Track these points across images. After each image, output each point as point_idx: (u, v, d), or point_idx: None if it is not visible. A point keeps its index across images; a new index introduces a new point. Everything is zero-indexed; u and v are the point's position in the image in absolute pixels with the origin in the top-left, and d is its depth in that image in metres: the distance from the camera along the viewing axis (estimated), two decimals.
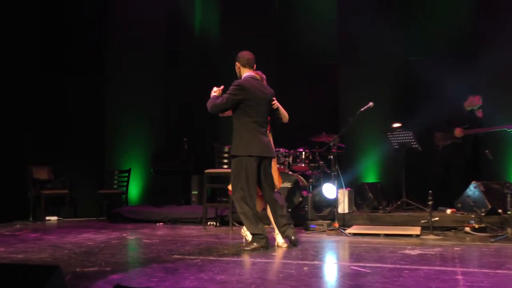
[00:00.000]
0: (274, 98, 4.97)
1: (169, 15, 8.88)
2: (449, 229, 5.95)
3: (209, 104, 4.77)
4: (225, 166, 6.76)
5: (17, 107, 7.63)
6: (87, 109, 8.33)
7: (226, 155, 6.89)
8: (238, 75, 4.91)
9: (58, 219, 7.70)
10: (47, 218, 7.67)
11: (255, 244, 4.59)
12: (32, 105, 7.80)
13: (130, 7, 8.68)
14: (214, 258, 4.10)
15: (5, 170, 7.35)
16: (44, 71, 8.07)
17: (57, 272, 2.35)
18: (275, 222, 4.81)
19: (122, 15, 8.66)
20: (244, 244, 4.80)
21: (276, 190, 4.88)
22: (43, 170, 7.85)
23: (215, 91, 4.88)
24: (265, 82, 5.07)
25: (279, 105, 5.06)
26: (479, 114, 7.01)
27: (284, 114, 5.19)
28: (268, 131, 4.93)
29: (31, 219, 7.36)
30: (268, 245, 4.62)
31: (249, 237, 4.75)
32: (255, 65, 4.93)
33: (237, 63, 4.90)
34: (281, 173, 6.98)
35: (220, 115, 5.00)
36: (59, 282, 2.36)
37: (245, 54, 4.89)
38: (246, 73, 4.85)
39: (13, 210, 7.31)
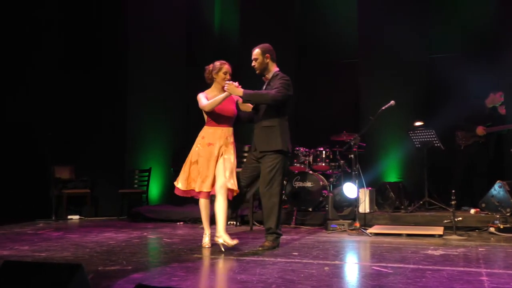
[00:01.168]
0: None
1: (189, 14, 8.92)
2: (473, 229, 5.86)
3: (272, 96, 4.60)
4: None
5: (39, 107, 7.75)
6: (108, 109, 8.41)
7: (245, 154, 6.88)
8: (263, 68, 4.78)
9: (80, 218, 7.80)
10: (69, 217, 7.77)
11: (272, 242, 4.56)
12: (54, 105, 7.90)
13: (150, 6, 8.75)
14: (235, 258, 4.10)
15: (28, 170, 7.49)
16: (67, 71, 8.16)
17: (80, 270, 2.38)
18: (224, 222, 4.57)
19: (143, 14, 8.73)
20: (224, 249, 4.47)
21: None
22: (65, 170, 7.96)
23: (237, 85, 4.74)
24: None
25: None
26: (502, 111, 6.86)
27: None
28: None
29: (53, 218, 7.46)
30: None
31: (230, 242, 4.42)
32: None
33: (267, 55, 4.76)
34: (302, 172, 6.99)
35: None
36: (82, 280, 2.39)
37: (272, 48, 4.78)
38: (275, 68, 4.79)
39: (36, 209, 7.43)
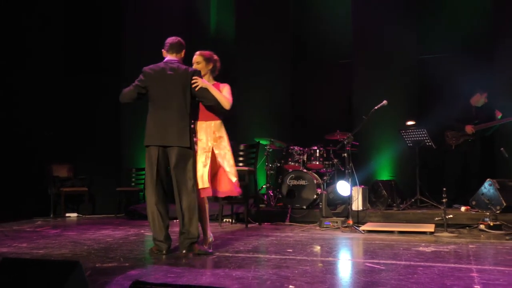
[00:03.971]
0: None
1: (185, 15, 8.95)
2: (463, 226, 5.96)
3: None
4: (241, 164, 6.82)
5: (38, 107, 7.78)
6: (106, 108, 8.45)
7: (241, 152, 6.96)
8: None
9: (77, 216, 7.85)
10: (67, 214, 7.81)
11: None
12: (53, 105, 7.94)
13: (146, 7, 8.78)
14: (230, 255, 4.16)
15: (26, 168, 7.53)
16: (66, 72, 8.20)
17: (77, 267, 2.41)
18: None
19: (138, 15, 8.76)
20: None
21: None
22: (63, 168, 8.00)
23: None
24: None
25: None
26: (498, 114, 6.95)
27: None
28: None
29: (51, 215, 7.51)
30: None
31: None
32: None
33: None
34: (296, 170, 7.07)
35: None
36: (79, 277, 2.42)
37: (168, 40, 4.63)
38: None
39: (34, 207, 7.48)
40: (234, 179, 4.42)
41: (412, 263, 3.77)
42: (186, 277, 3.31)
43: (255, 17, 8.70)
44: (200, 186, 4.31)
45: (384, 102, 6.01)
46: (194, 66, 4.57)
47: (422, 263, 3.75)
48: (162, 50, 4.59)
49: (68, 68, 8.31)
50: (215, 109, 4.48)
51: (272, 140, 7.43)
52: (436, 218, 5.78)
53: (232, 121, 8.73)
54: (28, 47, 7.79)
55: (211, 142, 4.44)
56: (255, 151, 6.82)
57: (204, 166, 4.32)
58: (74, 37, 8.42)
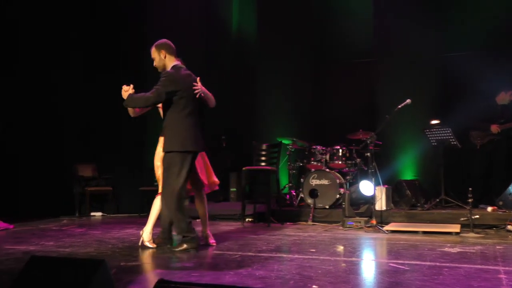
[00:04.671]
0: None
1: (207, 15, 9.00)
2: (490, 227, 5.86)
3: (133, 101, 4.34)
4: (263, 164, 6.83)
5: (64, 108, 7.91)
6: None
7: (264, 152, 6.96)
8: (162, 65, 4.49)
9: (102, 215, 7.95)
10: (92, 213, 7.93)
11: (185, 245, 4.36)
12: (78, 106, 8.05)
13: (168, 8, 8.84)
14: (253, 254, 4.17)
15: (53, 168, 7.65)
16: (91, 73, 8.31)
17: (103, 266, 2.45)
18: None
19: (161, 15, 8.82)
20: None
21: None
22: (88, 168, 8.12)
23: (127, 89, 4.38)
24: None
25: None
26: None
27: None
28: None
29: (77, 214, 7.63)
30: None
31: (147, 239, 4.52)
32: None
33: (162, 51, 4.48)
34: (318, 170, 7.05)
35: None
36: (105, 275, 2.46)
37: (169, 42, 4.54)
38: (173, 62, 4.51)
39: (60, 206, 7.60)
40: None
41: (437, 263, 3.73)
42: (210, 276, 3.33)
43: (277, 17, 8.71)
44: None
45: (408, 101, 5.96)
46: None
47: (448, 264, 3.70)
48: (173, 54, 4.58)
49: (92, 68, 8.42)
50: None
51: (294, 139, 7.42)
52: (462, 219, 5.70)
53: (254, 121, 8.79)
54: (53, 47, 7.92)
55: None
56: (277, 151, 6.82)
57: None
58: (96, 38, 8.51)
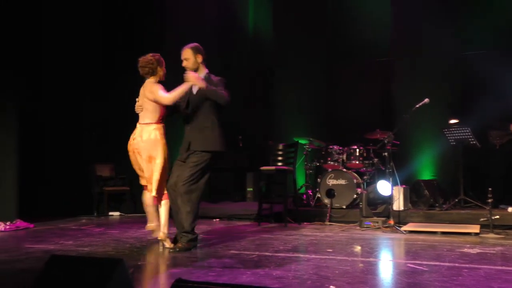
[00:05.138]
0: None
1: (223, 15, 9.02)
2: (510, 228, 5.77)
3: (227, 98, 4.56)
4: (280, 164, 6.82)
5: (81, 107, 7.99)
6: None
7: (280, 152, 6.95)
8: (195, 68, 4.57)
9: (120, 215, 8.01)
10: (110, 213, 7.99)
11: (187, 244, 4.42)
12: (95, 106, 8.13)
13: (184, 8, 8.88)
14: (270, 254, 4.18)
15: (71, 168, 7.74)
16: (105, 71, 8.38)
17: (121, 265, 2.47)
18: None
19: (178, 15, 8.87)
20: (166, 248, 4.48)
21: None
22: (106, 168, 8.19)
23: (198, 77, 4.47)
24: None
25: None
26: None
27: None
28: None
29: (95, 214, 7.70)
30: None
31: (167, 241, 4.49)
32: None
33: (199, 55, 4.60)
34: (335, 170, 7.02)
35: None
36: (124, 274, 2.48)
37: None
38: (205, 69, 4.66)
39: (79, 205, 7.68)
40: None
41: (456, 264, 3.69)
42: (227, 275, 3.34)
43: (293, 16, 8.69)
44: None
45: (426, 100, 5.91)
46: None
47: (467, 265, 3.66)
48: (203, 59, 4.66)
49: (109, 68, 8.49)
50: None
51: (311, 139, 7.40)
52: (482, 219, 5.62)
53: (270, 121, 8.78)
54: (70, 47, 8.00)
55: None
56: (294, 151, 6.81)
57: None
58: (114, 37, 8.58)
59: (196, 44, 4.68)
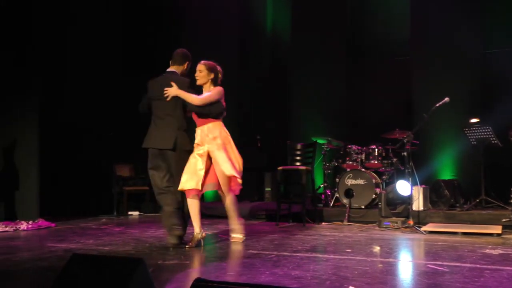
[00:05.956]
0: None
1: (241, 15, 9.04)
2: None
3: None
4: (298, 163, 6.81)
5: (101, 109, 8.08)
6: None
7: (299, 152, 6.94)
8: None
9: (139, 214, 8.08)
10: (130, 213, 8.07)
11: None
12: (115, 107, 8.21)
13: (203, 8, 8.93)
14: (289, 254, 4.17)
15: (92, 168, 7.83)
16: (126, 74, 8.46)
17: (141, 264, 2.49)
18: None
19: (196, 15, 8.92)
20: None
21: None
22: (125, 168, 8.27)
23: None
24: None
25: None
26: None
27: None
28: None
29: (115, 213, 7.77)
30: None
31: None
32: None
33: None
34: (354, 170, 6.98)
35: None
36: (144, 274, 2.50)
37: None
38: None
39: (99, 205, 7.78)
40: (228, 171, 4.75)
41: (478, 265, 3.64)
42: (246, 275, 3.35)
43: (311, 15, 8.67)
44: (194, 186, 4.62)
45: (446, 99, 5.84)
46: (196, 74, 4.85)
47: (489, 266, 3.61)
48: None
49: (127, 68, 8.56)
50: (203, 113, 4.79)
51: (329, 139, 7.38)
52: (504, 220, 5.55)
53: (289, 121, 8.78)
54: (92, 49, 8.10)
55: (207, 145, 4.78)
56: (312, 151, 6.80)
57: (200, 170, 4.66)
58: (133, 38, 8.65)
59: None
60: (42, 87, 6.98)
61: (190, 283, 2.41)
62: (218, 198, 8.65)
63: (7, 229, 5.91)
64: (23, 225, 6.09)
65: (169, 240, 4.60)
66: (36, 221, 6.33)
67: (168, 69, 4.89)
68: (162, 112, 4.77)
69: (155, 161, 4.83)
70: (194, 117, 4.89)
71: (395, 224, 5.87)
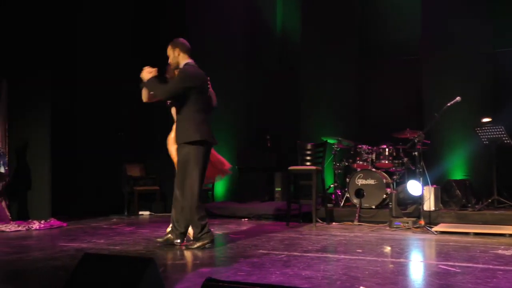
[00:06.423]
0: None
1: (251, 15, 9.04)
2: None
3: (153, 86, 4.53)
4: (308, 163, 6.80)
5: (111, 109, 8.12)
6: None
7: (309, 152, 6.93)
8: (175, 62, 4.62)
9: (150, 214, 8.11)
10: (140, 212, 8.10)
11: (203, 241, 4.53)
12: (125, 107, 8.25)
13: (212, 8, 8.93)
14: (299, 254, 4.17)
15: (103, 168, 7.88)
16: (136, 74, 8.49)
17: (152, 264, 2.50)
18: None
19: (204, 15, 8.93)
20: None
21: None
22: (136, 168, 8.31)
23: (150, 71, 4.58)
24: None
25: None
26: None
27: None
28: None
29: (126, 213, 7.81)
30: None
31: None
32: None
33: (177, 48, 4.60)
34: (364, 170, 6.95)
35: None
36: (154, 273, 2.51)
37: (184, 41, 4.67)
38: (186, 60, 4.63)
39: (110, 205, 7.81)
40: None
41: (490, 266, 3.61)
42: (256, 275, 3.35)
43: (321, 15, 8.65)
44: None
45: (458, 98, 5.80)
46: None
47: (502, 267, 3.58)
48: (187, 52, 4.68)
49: (139, 70, 8.60)
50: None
51: (339, 139, 7.35)
52: None
53: (299, 121, 8.76)
54: (104, 49, 8.15)
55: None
56: (322, 150, 6.78)
57: None
58: (143, 40, 8.68)
59: (175, 39, 4.73)
60: (53, 87, 7.02)
61: (201, 282, 2.42)
62: (228, 198, 8.71)
63: (19, 228, 5.97)
64: (36, 225, 6.14)
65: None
66: (48, 220, 6.39)
67: (191, 61, 4.68)
68: (206, 107, 4.65)
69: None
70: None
71: (406, 224, 5.84)
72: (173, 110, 4.78)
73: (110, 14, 8.26)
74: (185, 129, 4.51)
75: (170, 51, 4.65)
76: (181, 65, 4.62)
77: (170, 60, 4.67)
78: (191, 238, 4.67)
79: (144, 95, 4.74)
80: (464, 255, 4.12)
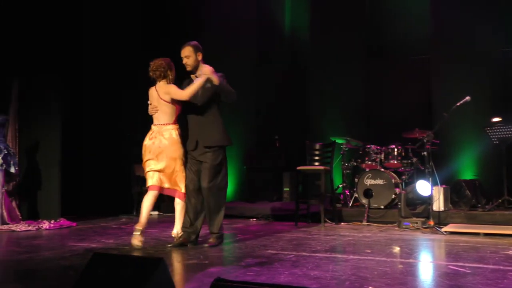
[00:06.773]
0: None
1: (260, 15, 9.05)
2: None
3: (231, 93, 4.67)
4: (317, 163, 6.79)
5: (120, 109, 8.16)
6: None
7: (317, 152, 6.92)
8: (195, 65, 4.66)
9: (158, 214, 8.14)
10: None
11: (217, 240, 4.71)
12: (133, 108, 8.28)
13: (222, 7, 8.95)
14: (308, 254, 4.16)
15: (112, 168, 7.92)
16: (143, 74, 8.53)
17: (162, 264, 2.51)
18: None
19: (215, 15, 8.95)
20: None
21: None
22: None
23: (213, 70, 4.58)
24: None
25: None
26: None
27: None
28: None
29: (134, 213, 7.84)
30: None
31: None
32: None
33: (199, 53, 4.67)
34: (373, 170, 6.93)
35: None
36: (164, 273, 2.52)
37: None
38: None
39: (119, 205, 7.85)
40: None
41: (501, 267, 3.59)
42: (265, 275, 3.35)
43: (329, 15, 8.64)
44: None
45: (467, 98, 5.77)
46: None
47: None
48: (202, 57, 4.73)
49: (146, 71, 8.62)
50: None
51: (348, 139, 7.34)
52: None
53: (307, 121, 8.75)
54: (111, 51, 8.18)
55: None
56: (331, 150, 6.77)
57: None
58: (152, 40, 8.70)
59: (196, 42, 4.78)
60: (63, 88, 7.07)
61: (210, 282, 2.42)
62: (236, 198, 8.72)
63: (30, 228, 6.01)
64: (45, 225, 6.18)
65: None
66: (58, 220, 6.43)
67: None
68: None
69: None
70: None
71: (415, 225, 5.82)
72: (158, 115, 4.76)
73: (118, 13, 8.29)
74: (217, 132, 4.70)
75: (191, 53, 4.66)
76: (200, 68, 4.66)
77: (190, 62, 4.68)
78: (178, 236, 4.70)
79: (191, 93, 4.57)
80: (474, 255, 4.09)
